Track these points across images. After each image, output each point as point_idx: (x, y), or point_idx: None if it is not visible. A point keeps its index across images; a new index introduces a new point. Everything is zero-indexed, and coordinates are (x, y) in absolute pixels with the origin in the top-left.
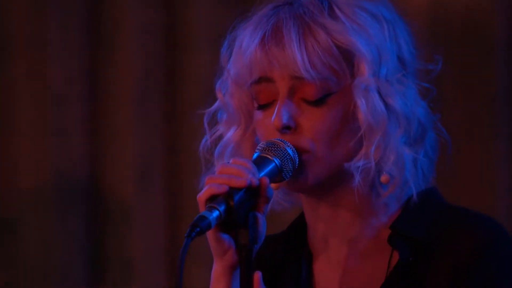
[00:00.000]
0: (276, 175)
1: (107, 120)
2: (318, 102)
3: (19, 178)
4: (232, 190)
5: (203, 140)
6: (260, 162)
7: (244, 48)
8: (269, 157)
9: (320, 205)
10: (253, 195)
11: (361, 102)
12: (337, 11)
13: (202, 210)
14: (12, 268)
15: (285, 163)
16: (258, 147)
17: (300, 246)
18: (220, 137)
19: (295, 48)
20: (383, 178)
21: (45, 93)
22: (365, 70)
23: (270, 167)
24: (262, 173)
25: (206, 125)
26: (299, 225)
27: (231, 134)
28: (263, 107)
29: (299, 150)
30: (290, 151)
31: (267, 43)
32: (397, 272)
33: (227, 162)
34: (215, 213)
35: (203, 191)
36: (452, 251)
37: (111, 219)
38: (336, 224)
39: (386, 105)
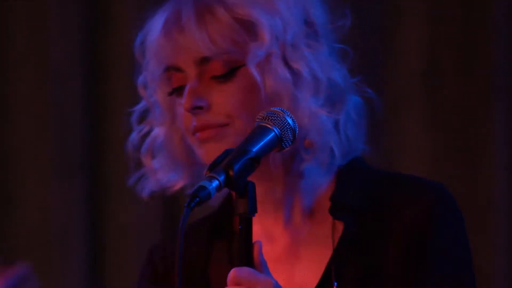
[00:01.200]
0: (275, 145)
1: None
2: (227, 76)
3: (18, 148)
4: (232, 160)
5: (131, 137)
6: (259, 132)
7: (150, 39)
8: (269, 126)
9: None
10: (252, 165)
11: (264, 70)
12: None
13: None
14: (11, 236)
15: (284, 132)
16: (258, 117)
17: (227, 227)
18: (148, 133)
19: (194, 28)
20: (306, 142)
21: (45, 69)
22: (265, 38)
23: (269, 136)
24: (262, 143)
25: (134, 122)
26: (226, 206)
27: (158, 128)
28: (176, 90)
29: (217, 127)
30: (290, 120)
31: (169, 30)
32: (344, 244)
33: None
34: (215, 183)
35: None
36: (399, 216)
37: (110, 186)
38: (268, 203)
39: (292, 70)
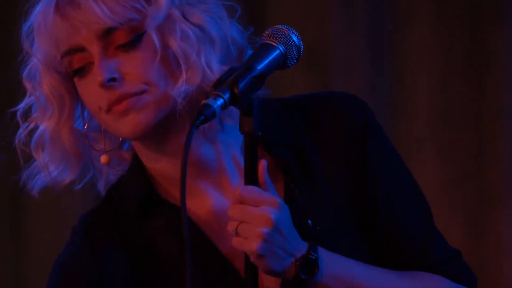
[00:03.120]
0: (280, 62)
1: None
2: (132, 44)
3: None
4: (237, 78)
5: (18, 134)
6: (264, 50)
7: (43, 25)
8: (274, 43)
9: (169, 145)
10: (257, 82)
11: (166, 32)
12: None
13: None
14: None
15: (289, 50)
16: (263, 35)
17: (159, 206)
18: (36, 127)
19: (91, 2)
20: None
21: None
22: (161, 0)
23: (274, 54)
24: (267, 60)
25: (19, 119)
26: (135, 188)
27: (46, 122)
28: (78, 71)
29: (135, 95)
30: (295, 38)
31: (64, 10)
32: (290, 176)
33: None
34: (220, 101)
35: None
36: (330, 135)
37: None
38: (192, 157)
39: (195, 26)
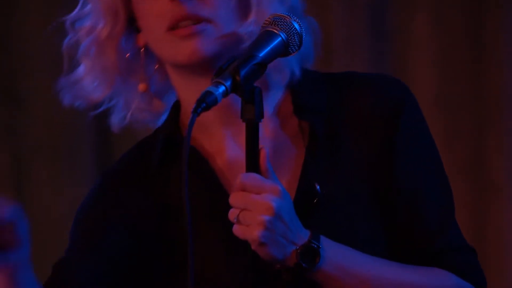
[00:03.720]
0: (282, 50)
1: None
2: None
3: (27, 46)
4: (239, 64)
5: (67, 39)
6: (266, 37)
7: None
8: (275, 31)
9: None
10: (259, 70)
11: None
12: None
13: None
14: (20, 143)
15: (291, 37)
16: (264, 22)
17: (175, 153)
18: (85, 35)
19: None
20: None
21: None
22: None
23: (276, 41)
24: (268, 48)
25: (69, 26)
26: (167, 132)
27: (97, 32)
28: None
29: (199, 20)
30: (296, 26)
31: None
32: (314, 143)
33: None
34: (221, 88)
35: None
36: (365, 113)
37: None
38: (227, 106)
39: None
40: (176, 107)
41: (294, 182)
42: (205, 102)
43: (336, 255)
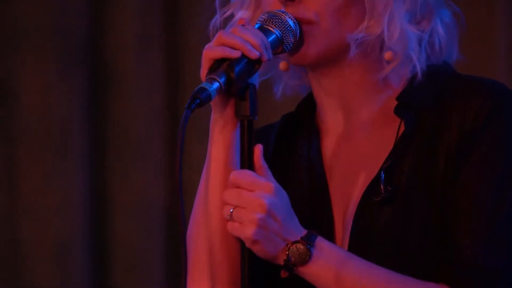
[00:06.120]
0: (277, 47)
1: None
2: None
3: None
4: (234, 61)
5: (213, 20)
6: None
7: None
8: (270, 28)
9: (324, 78)
10: (253, 67)
11: None
12: None
13: (205, 66)
14: (13, 136)
15: (286, 34)
16: (259, 19)
17: (309, 124)
18: (230, 17)
19: None
20: (387, 54)
21: None
22: None
23: (271, 38)
24: None
25: (217, 5)
26: (308, 103)
27: (240, 14)
28: None
29: (302, 21)
30: (291, 22)
31: None
32: (404, 140)
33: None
34: (216, 85)
35: (214, 48)
36: (458, 115)
37: (111, 89)
38: (341, 98)
39: None
40: None
41: (369, 178)
42: (199, 98)
43: (329, 257)
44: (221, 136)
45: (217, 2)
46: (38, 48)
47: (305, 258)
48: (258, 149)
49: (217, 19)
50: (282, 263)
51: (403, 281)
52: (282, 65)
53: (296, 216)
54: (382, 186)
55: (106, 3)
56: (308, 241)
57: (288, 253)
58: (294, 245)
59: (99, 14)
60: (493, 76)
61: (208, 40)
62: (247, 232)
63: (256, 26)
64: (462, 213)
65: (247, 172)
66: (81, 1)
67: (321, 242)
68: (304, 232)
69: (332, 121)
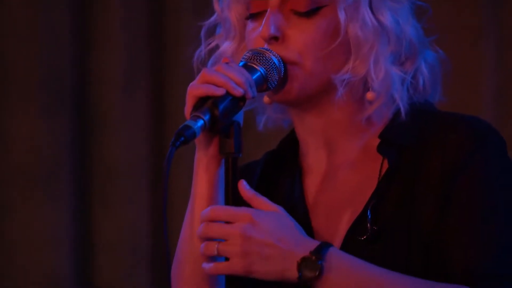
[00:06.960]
0: (261, 84)
1: (95, 27)
2: (309, 14)
3: (4, 79)
4: (218, 99)
5: (198, 51)
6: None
7: None
8: (255, 66)
9: (308, 117)
10: (237, 104)
11: (351, 16)
12: None
13: (190, 103)
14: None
15: (270, 72)
16: (244, 56)
17: (292, 161)
18: (214, 49)
19: None
20: (369, 95)
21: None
22: None
23: (255, 76)
24: None
25: (203, 36)
26: (291, 141)
27: (225, 46)
28: (253, 16)
29: (286, 61)
30: (275, 60)
31: None
32: (388, 178)
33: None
34: (200, 123)
35: (198, 86)
36: (439, 152)
37: (96, 127)
38: (324, 136)
39: (377, 21)
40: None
41: (353, 216)
42: (184, 136)
43: (341, 268)
44: (205, 173)
45: (202, 33)
46: (23, 88)
47: (317, 273)
48: (242, 183)
49: (202, 50)
50: (293, 279)
51: (425, 284)
52: (266, 98)
53: (303, 229)
54: (368, 225)
55: (91, 39)
56: (319, 255)
57: (299, 268)
58: (304, 260)
59: (85, 51)
60: (480, 116)
61: (194, 77)
62: (239, 266)
63: (241, 64)
64: (458, 239)
65: (222, 206)
66: (66, 39)
67: (334, 252)
68: (315, 245)
69: (314, 158)
